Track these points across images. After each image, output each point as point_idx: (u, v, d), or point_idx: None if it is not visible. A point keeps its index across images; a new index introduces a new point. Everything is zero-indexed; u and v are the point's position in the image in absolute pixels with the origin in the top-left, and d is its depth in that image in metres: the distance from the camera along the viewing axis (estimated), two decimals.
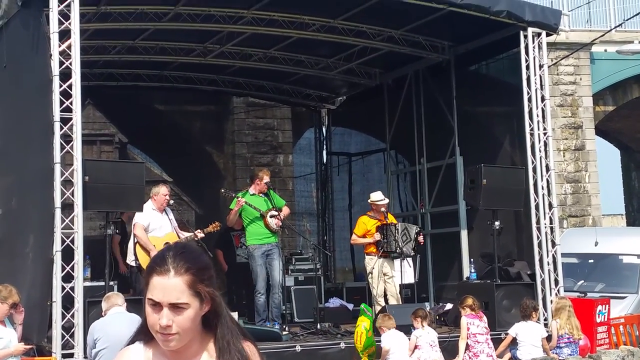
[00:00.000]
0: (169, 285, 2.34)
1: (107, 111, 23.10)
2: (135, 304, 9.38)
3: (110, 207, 9.99)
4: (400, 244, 11.65)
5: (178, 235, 10.76)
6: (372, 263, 11.64)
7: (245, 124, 20.01)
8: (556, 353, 10.55)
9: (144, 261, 10.44)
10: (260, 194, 11.60)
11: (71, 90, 9.40)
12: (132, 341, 2.48)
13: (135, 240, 10.56)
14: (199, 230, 11.23)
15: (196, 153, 20.41)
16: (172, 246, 2.47)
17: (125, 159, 24.66)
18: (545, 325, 11.20)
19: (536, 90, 11.94)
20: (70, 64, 9.40)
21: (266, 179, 11.62)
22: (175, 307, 2.34)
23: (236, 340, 2.44)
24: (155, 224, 10.66)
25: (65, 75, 9.42)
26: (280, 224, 11.43)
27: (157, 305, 2.35)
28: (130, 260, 10.72)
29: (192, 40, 13.93)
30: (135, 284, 10.92)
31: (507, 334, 10.59)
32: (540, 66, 12.04)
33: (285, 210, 11.88)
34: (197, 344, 2.44)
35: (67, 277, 9.13)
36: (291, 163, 19.93)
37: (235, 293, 13.85)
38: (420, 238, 12.03)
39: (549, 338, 10.58)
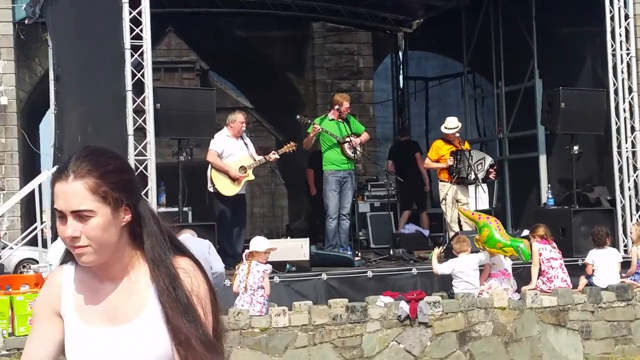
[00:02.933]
0: (69, 191, 2.08)
1: (188, 38, 23.28)
2: (209, 230, 9.61)
3: (182, 134, 10.10)
4: (474, 170, 11.47)
5: (254, 159, 10.83)
6: (445, 190, 11.50)
7: (325, 49, 19.81)
8: (635, 279, 10.32)
9: (221, 186, 10.57)
10: (339, 120, 11.44)
11: (141, 17, 9.44)
12: (63, 261, 2.26)
13: (211, 167, 10.68)
14: (273, 152, 11.24)
15: (277, 79, 20.37)
16: (78, 150, 2.19)
17: (207, 86, 24.87)
18: (625, 251, 10.94)
19: (619, 8, 11.42)
20: None
21: (345, 104, 11.41)
22: (80, 216, 2.08)
23: (165, 255, 2.18)
24: (230, 150, 10.73)
25: (135, 2, 9.44)
26: (353, 149, 11.28)
27: (64, 216, 2.10)
28: (208, 187, 10.82)
29: None
30: (213, 209, 11.05)
31: (584, 260, 10.35)
32: None
33: (364, 137, 11.71)
34: (125, 259, 2.19)
35: None
36: (372, 89, 19.69)
37: (318, 218, 13.64)
38: (492, 172, 11.81)
39: (625, 264, 10.33)
